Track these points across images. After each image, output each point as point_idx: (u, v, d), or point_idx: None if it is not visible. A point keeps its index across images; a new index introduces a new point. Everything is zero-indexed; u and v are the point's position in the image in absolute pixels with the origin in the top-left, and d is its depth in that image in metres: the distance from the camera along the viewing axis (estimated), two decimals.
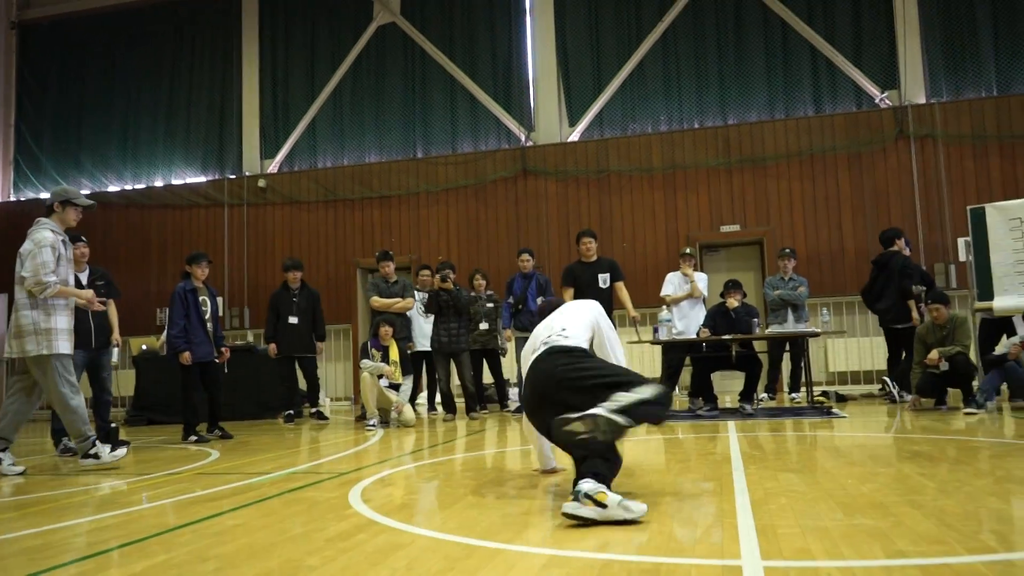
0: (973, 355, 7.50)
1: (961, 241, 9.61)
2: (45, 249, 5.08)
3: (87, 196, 6.32)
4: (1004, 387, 7.63)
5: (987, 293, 8.60)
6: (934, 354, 7.11)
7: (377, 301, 8.77)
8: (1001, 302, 8.44)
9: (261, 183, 13.39)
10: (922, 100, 11.10)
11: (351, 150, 13.43)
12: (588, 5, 12.52)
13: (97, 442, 5.28)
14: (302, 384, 9.49)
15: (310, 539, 2.81)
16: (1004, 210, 8.61)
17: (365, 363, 7.88)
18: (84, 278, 6.65)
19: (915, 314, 8.28)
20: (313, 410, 9.09)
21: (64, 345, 5.16)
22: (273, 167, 13.71)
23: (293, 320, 8.99)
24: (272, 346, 8.95)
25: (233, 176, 13.74)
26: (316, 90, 13.63)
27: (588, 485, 2.83)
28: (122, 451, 5.35)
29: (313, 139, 13.64)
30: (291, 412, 9.01)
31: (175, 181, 14.18)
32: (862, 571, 2.15)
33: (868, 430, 5.95)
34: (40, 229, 5.19)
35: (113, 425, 6.46)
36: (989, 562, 2.18)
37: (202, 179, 13.95)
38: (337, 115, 13.55)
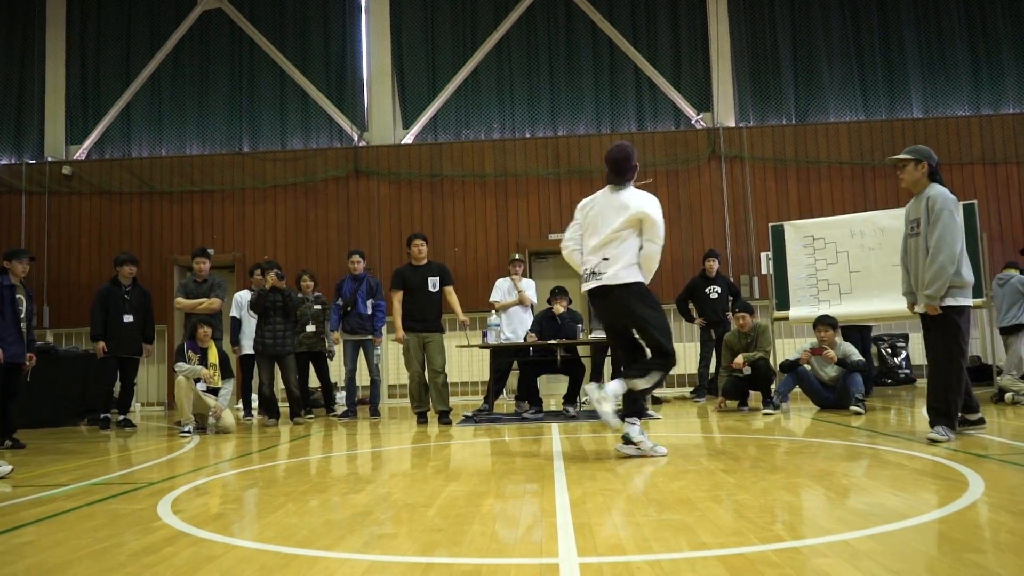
0: (773, 360, 8.17)
1: (763, 255, 10.47)
2: None
3: None
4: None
5: (784, 304, 9.42)
6: (739, 359, 7.68)
7: (181, 302, 8.40)
8: (796, 312, 9.27)
9: (66, 170, 12.32)
10: (732, 124, 12.00)
11: (170, 140, 12.66)
12: (424, 8, 12.54)
13: None
14: None
15: (111, 555, 2.62)
16: (800, 228, 9.47)
17: (180, 366, 7.44)
18: None
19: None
20: (121, 418, 8.47)
21: None
22: (80, 153, 12.66)
23: (128, 318, 8.43)
24: (101, 344, 8.30)
25: (33, 161, 12.56)
26: (132, 73, 12.74)
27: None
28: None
29: (127, 126, 12.73)
30: (107, 416, 8.42)
31: None
32: (669, 563, 2.28)
33: (680, 430, 6.34)
34: None
35: None
36: (779, 550, 2.38)
37: None
38: (155, 102, 12.73)
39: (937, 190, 4.89)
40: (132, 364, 8.68)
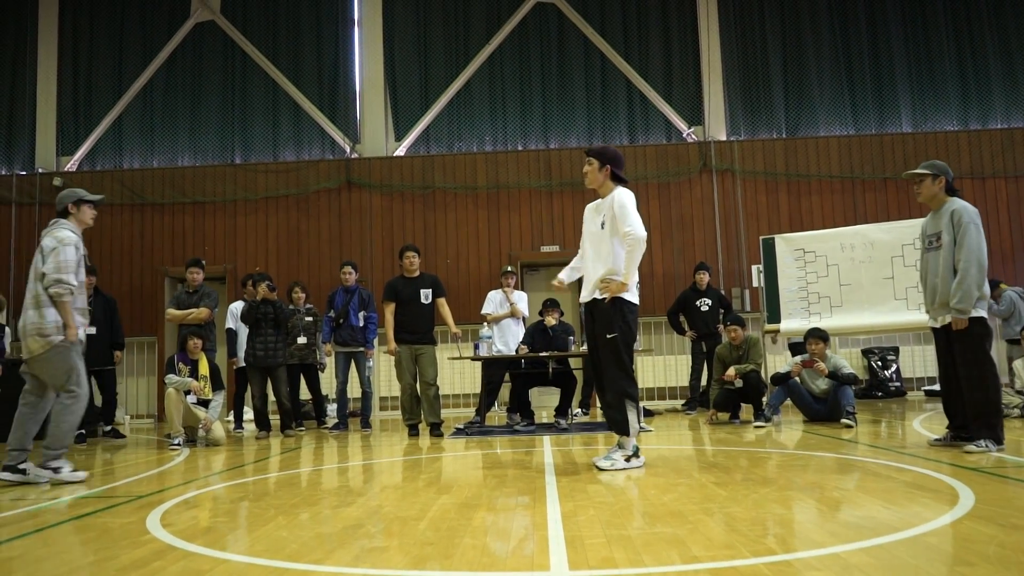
0: (764, 373, 8.19)
1: (754, 268, 10.50)
2: (68, 248, 4.92)
3: None
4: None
5: (775, 316, 9.46)
6: (731, 371, 7.69)
7: (171, 313, 8.35)
8: (787, 324, 9.30)
9: (57, 181, 12.26)
10: (723, 137, 12.06)
11: (162, 151, 12.64)
12: (417, 21, 12.58)
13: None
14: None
15: (100, 569, 2.60)
16: (791, 241, 9.52)
17: (171, 378, 7.40)
18: None
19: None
20: (108, 428, 8.40)
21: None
22: (72, 165, 12.63)
23: (91, 331, 8.29)
24: None
25: (23, 172, 12.52)
26: (124, 84, 12.71)
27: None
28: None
29: (119, 137, 12.70)
30: (83, 431, 8.29)
31: None
32: None
33: (671, 443, 6.34)
34: (61, 228, 5.00)
35: None
36: (771, 563, 2.38)
37: None
38: (147, 113, 12.71)
39: (960, 204, 4.93)
40: (107, 375, 8.50)
